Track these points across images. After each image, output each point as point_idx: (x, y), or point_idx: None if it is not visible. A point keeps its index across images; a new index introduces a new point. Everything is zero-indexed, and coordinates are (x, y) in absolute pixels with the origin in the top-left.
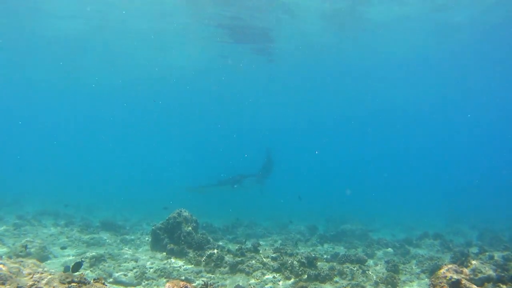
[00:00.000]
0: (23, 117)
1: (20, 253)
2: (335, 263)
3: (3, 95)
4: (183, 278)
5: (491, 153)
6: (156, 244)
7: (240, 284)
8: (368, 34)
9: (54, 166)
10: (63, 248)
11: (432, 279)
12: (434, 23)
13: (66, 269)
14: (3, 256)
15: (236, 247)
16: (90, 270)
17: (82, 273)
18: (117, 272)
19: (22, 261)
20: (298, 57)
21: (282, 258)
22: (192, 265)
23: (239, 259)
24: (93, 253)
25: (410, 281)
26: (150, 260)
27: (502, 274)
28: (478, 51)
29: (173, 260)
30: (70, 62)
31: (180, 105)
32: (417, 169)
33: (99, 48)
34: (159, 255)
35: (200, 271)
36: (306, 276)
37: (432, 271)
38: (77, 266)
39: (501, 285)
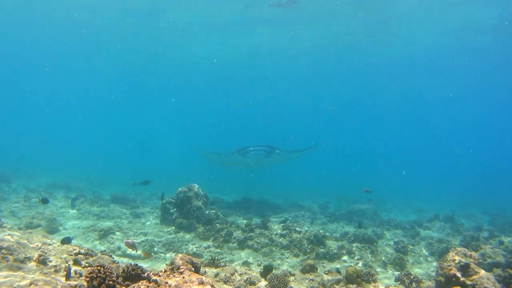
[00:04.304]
0: (38, 94)
1: (30, 225)
2: (344, 242)
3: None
4: (191, 252)
5: (505, 139)
6: (166, 218)
7: (248, 260)
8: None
9: (70, 142)
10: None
11: (441, 262)
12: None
13: (63, 241)
14: (13, 228)
15: (245, 223)
16: (99, 243)
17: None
18: (125, 245)
19: (31, 233)
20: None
21: (291, 235)
22: (201, 240)
23: (248, 235)
24: (102, 226)
25: (419, 263)
26: (159, 234)
27: None
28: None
29: (182, 234)
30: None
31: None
32: (432, 153)
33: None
34: (168, 229)
35: (209, 246)
36: (314, 254)
37: (441, 254)
38: (66, 241)
39: (510, 271)
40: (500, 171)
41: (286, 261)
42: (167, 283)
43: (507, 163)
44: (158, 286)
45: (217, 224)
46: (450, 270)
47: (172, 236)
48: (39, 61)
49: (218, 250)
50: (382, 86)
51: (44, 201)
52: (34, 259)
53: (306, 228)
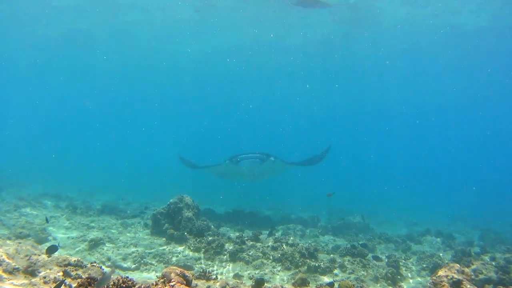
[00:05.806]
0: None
1: (19, 235)
2: (336, 256)
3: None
4: (182, 264)
5: (497, 154)
6: (156, 229)
7: (239, 273)
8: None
9: (60, 151)
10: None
11: (433, 278)
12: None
13: (49, 249)
14: (2, 237)
15: (237, 235)
16: (89, 254)
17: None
18: (115, 256)
19: (20, 243)
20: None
21: (282, 247)
22: (192, 252)
23: (239, 247)
24: (92, 236)
25: (410, 278)
26: (150, 245)
27: (503, 277)
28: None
29: (172, 245)
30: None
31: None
32: (424, 167)
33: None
34: (158, 240)
35: (200, 258)
36: (306, 267)
37: (433, 269)
38: (52, 249)
39: None
40: (491, 186)
41: (278, 274)
42: None
43: (498, 177)
44: None
45: (209, 236)
46: (443, 286)
47: (163, 247)
48: (33, 65)
49: (209, 262)
50: (372, 95)
51: (47, 219)
52: (23, 270)
53: (297, 241)
